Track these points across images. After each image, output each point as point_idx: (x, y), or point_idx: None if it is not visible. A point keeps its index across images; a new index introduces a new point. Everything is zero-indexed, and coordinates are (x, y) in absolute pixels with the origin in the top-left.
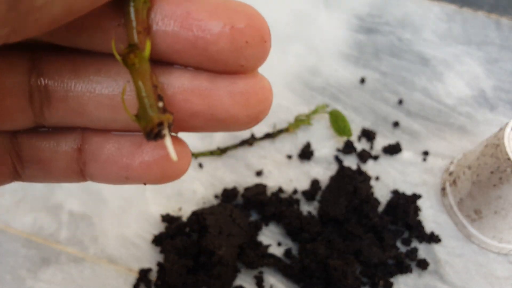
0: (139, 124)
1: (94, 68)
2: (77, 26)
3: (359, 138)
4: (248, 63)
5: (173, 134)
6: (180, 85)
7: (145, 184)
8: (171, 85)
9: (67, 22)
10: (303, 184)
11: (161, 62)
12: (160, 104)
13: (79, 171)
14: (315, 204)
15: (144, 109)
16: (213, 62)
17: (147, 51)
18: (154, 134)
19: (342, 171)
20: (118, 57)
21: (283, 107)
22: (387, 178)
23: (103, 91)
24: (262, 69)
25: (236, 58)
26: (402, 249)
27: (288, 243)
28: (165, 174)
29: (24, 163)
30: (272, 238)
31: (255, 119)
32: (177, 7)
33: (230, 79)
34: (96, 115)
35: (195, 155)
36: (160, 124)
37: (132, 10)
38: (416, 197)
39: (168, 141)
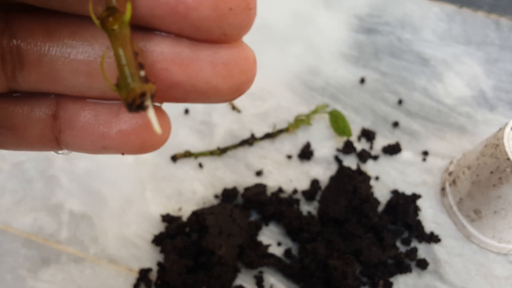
0: (119, 94)
1: (69, 31)
2: None
3: (359, 138)
4: (231, 32)
5: (156, 104)
6: (159, 52)
7: (123, 154)
8: (150, 52)
9: None
10: (303, 184)
11: (139, 27)
12: (142, 73)
13: (54, 139)
14: (315, 204)
15: (124, 78)
16: (194, 29)
17: (127, 15)
18: (136, 105)
19: (342, 171)
20: (96, 21)
21: (283, 107)
22: (386, 178)
23: (78, 56)
24: (262, 69)
25: (218, 26)
26: (402, 249)
27: (288, 243)
28: (144, 143)
29: None
30: (272, 238)
31: (237, 91)
32: None
33: (212, 48)
34: (72, 82)
35: (195, 155)
36: (143, 94)
37: None
38: (415, 197)
39: (151, 113)
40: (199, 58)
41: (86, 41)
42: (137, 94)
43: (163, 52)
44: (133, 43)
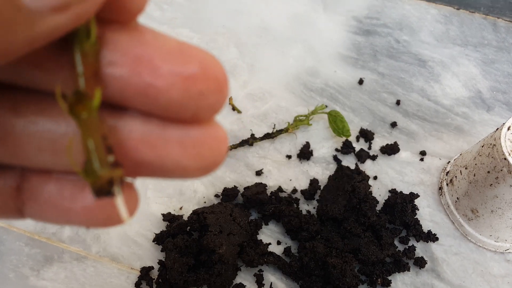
0: (86, 180)
1: (36, 108)
2: (16, 65)
3: (358, 138)
4: (202, 114)
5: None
6: (128, 131)
7: (88, 228)
8: (119, 130)
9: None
10: (302, 184)
11: (109, 104)
12: (110, 158)
13: (16, 210)
14: (314, 203)
15: (92, 165)
16: (164, 111)
17: (96, 101)
18: (103, 192)
19: (341, 170)
20: (63, 106)
21: (283, 108)
22: (385, 178)
23: (44, 134)
24: (262, 70)
25: (189, 109)
26: (400, 247)
27: (287, 242)
28: (109, 219)
29: None
30: (271, 237)
31: (206, 171)
32: (129, 50)
33: (182, 128)
34: (36, 158)
35: None
36: (110, 181)
37: (78, 53)
38: (413, 196)
39: (119, 200)
40: (168, 139)
41: (52, 119)
42: (104, 181)
43: (132, 131)
44: (101, 126)
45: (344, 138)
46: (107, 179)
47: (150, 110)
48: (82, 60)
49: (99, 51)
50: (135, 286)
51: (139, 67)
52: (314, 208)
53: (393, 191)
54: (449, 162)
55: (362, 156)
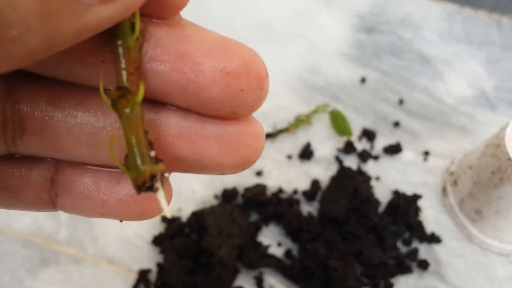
0: (128, 175)
1: (75, 101)
2: (57, 58)
3: (360, 138)
4: (241, 111)
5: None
6: (167, 126)
7: (121, 221)
8: (157, 125)
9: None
10: (303, 184)
11: (148, 99)
12: (152, 153)
13: (51, 202)
14: (315, 204)
15: (134, 160)
16: (204, 108)
17: (140, 96)
18: (145, 188)
19: (343, 171)
20: (107, 102)
21: (283, 107)
22: (387, 178)
23: (82, 127)
24: None
25: (229, 106)
26: (403, 249)
27: (288, 244)
28: (143, 212)
29: None
30: (272, 239)
31: (242, 167)
32: (171, 45)
33: (220, 124)
34: (73, 151)
35: None
36: (153, 176)
37: (121, 48)
38: (416, 197)
39: (161, 195)
40: (206, 135)
41: (91, 112)
42: (147, 176)
43: (170, 126)
44: (144, 121)
45: (346, 138)
46: (149, 174)
47: (189, 106)
48: (125, 54)
49: (142, 46)
50: None
51: (180, 63)
52: (315, 209)
53: (396, 192)
54: (452, 162)
55: (364, 156)
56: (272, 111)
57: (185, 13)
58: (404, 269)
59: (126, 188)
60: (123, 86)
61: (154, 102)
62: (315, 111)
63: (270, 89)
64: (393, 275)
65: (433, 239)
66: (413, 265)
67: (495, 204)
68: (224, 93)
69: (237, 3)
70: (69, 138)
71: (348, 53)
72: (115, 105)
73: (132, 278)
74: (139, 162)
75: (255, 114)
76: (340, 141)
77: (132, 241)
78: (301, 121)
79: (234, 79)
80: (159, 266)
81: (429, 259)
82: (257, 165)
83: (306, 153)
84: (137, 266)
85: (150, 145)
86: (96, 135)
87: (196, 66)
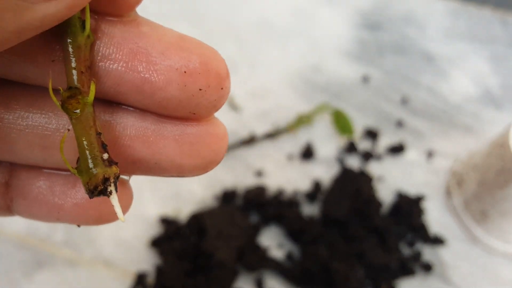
0: (81, 179)
1: (27, 102)
2: (6, 57)
3: (362, 138)
4: (201, 111)
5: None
6: (123, 128)
7: (78, 226)
8: (113, 126)
9: None
10: (304, 185)
11: (103, 100)
12: (105, 155)
13: (6, 207)
14: (317, 205)
15: (86, 163)
16: (161, 108)
17: (91, 96)
18: (98, 191)
19: (344, 171)
20: (57, 102)
21: (284, 105)
22: (390, 179)
23: (34, 129)
24: (262, 67)
25: (187, 106)
26: (406, 251)
27: (288, 245)
28: (101, 217)
29: None
30: (272, 240)
31: (203, 169)
32: (125, 43)
33: (180, 125)
34: (26, 154)
35: None
36: (106, 180)
37: (71, 46)
38: (420, 198)
39: (114, 199)
40: (164, 136)
41: (43, 114)
42: (99, 180)
43: (126, 128)
44: (96, 122)
45: (348, 138)
46: (102, 178)
47: (146, 107)
48: (76, 53)
49: (94, 44)
50: None
51: (134, 62)
52: (316, 210)
53: (399, 193)
54: (457, 162)
55: (367, 156)
56: (272, 110)
57: (184, 12)
58: (407, 272)
59: (82, 192)
60: (73, 86)
61: (109, 102)
62: (317, 110)
63: (271, 88)
64: (396, 277)
65: (437, 240)
66: (417, 267)
67: (500, 205)
68: (181, 93)
69: (238, 0)
70: (21, 140)
71: (350, 51)
72: (64, 106)
73: (129, 280)
74: (90, 165)
75: (256, 113)
76: (342, 141)
77: (129, 243)
78: (302, 121)
79: (191, 79)
80: (158, 268)
81: (433, 261)
82: (257, 165)
83: (307, 153)
84: (135, 268)
85: (104, 147)
86: (49, 137)
87: (151, 65)
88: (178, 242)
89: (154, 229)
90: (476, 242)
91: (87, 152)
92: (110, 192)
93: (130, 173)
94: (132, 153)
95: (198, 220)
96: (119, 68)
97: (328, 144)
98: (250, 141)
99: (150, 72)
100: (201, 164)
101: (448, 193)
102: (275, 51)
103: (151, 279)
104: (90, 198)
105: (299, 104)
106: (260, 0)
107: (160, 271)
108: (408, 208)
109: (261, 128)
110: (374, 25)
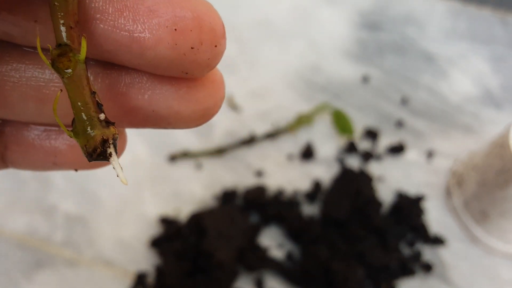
0: (78, 142)
1: (19, 54)
2: None
3: (362, 138)
4: (194, 71)
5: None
6: (117, 74)
7: (76, 170)
8: (106, 75)
9: None
10: (304, 185)
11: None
12: (102, 116)
13: None
14: (317, 205)
15: (82, 124)
16: (152, 67)
17: (82, 53)
18: (97, 154)
19: (344, 171)
20: (46, 61)
21: (284, 105)
22: (390, 179)
23: (28, 81)
24: (262, 67)
25: (179, 65)
26: (406, 251)
27: (289, 245)
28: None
29: None
30: (272, 240)
31: (203, 117)
32: (111, 1)
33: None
34: (20, 107)
35: (194, 155)
36: (104, 141)
37: (57, 1)
38: (420, 198)
39: (115, 161)
40: (160, 80)
41: (36, 65)
42: (97, 142)
43: (121, 74)
44: (89, 81)
45: (348, 138)
46: (100, 139)
47: (137, 66)
48: (63, 7)
49: (80, 1)
50: None
51: (121, 19)
52: (316, 210)
53: (399, 193)
54: (457, 162)
55: (367, 156)
56: (272, 110)
57: None
58: (408, 272)
59: None
60: (63, 43)
61: (99, 61)
62: (317, 110)
63: (271, 88)
64: (396, 277)
65: (437, 240)
66: (417, 267)
67: (500, 205)
68: (172, 52)
69: (238, 0)
70: (14, 93)
71: (350, 51)
72: (55, 65)
73: (129, 280)
74: (87, 126)
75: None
76: (342, 141)
77: (129, 243)
78: (302, 121)
79: (182, 36)
80: (158, 268)
81: (433, 261)
82: (257, 165)
83: (307, 153)
84: (135, 268)
85: (99, 107)
86: (43, 89)
87: (139, 21)
88: (178, 242)
89: (154, 229)
90: (476, 242)
91: (83, 113)
92: (110, 154)
93: (127, 125)
94: (127, 100)
95: (198, 220)
96: (106, 27)
97: (328, 144)
98: (250, 141)
99: (139, 31)
100: (199, 110)
101: (448, 193)
102: (275, 51)
103: (151, 279)
104: (89, 161)
105: (299, 104)
106: (260, 0)
107: (160, 271)
108: (408, 208)
109: (261, 128)
110: (374, 25)
